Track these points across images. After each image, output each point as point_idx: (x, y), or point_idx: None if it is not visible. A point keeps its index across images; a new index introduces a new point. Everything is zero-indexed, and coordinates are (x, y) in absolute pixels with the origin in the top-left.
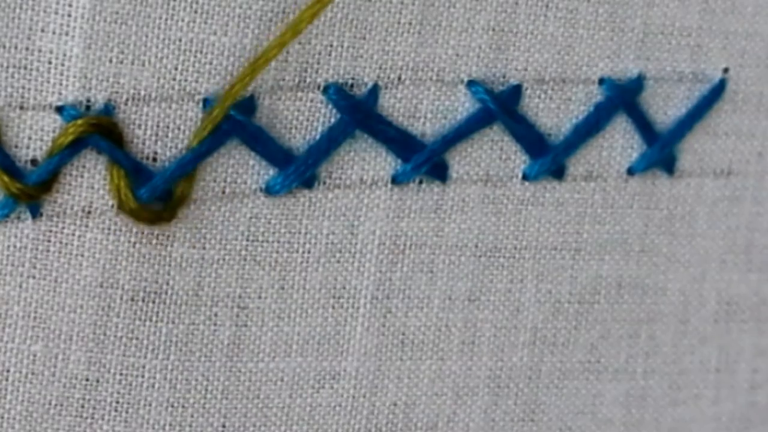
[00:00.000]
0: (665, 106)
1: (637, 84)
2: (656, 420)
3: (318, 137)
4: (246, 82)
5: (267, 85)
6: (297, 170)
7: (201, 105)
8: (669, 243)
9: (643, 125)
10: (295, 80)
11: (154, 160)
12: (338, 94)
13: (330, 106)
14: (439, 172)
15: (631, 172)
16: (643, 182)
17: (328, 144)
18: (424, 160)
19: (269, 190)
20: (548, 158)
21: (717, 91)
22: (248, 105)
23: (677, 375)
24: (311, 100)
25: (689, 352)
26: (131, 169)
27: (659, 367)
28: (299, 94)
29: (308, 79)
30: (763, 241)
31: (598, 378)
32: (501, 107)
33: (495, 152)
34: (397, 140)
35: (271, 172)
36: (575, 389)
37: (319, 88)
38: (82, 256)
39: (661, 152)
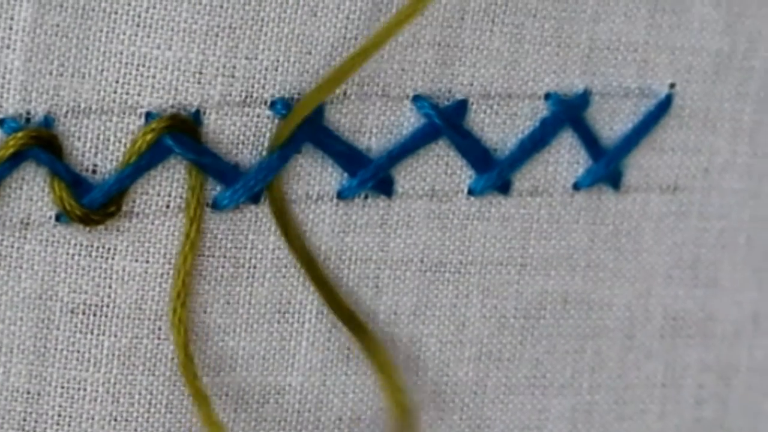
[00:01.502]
0: (611, 122)
1: (583, 99)
2: None
3: (266, 152)
4: (325, 92)
5: (213, 100)
6: (245, 185)
7: (143, 119)
8: (615, 258)
9: (589, 140)
10: (242, 96)
11: (94, 172)
12: (286, 109)
13: (277, 122)
14: (384, 187)
15: (576, 187)
16: (588, 197)
17: (277, 160)
18: (370, 175)
19: (216, 206)
20: (494, 173)
21: (663, 107)
22: (193, 120)
23: (623, 390)
24: (258, 116)
25: (635, 367)
26: (71, 182)
27: (605, 382)
28: (246, 109)
29: (255, 95)
30: (709, 257)
31: (543, 393)
32: (446, 122)
33: (441, 167)
34: (344, 155)
35: (218, 187)
36: (521, 404)
37: (266, 103)
38: (21, 267)
39: (607, 167)
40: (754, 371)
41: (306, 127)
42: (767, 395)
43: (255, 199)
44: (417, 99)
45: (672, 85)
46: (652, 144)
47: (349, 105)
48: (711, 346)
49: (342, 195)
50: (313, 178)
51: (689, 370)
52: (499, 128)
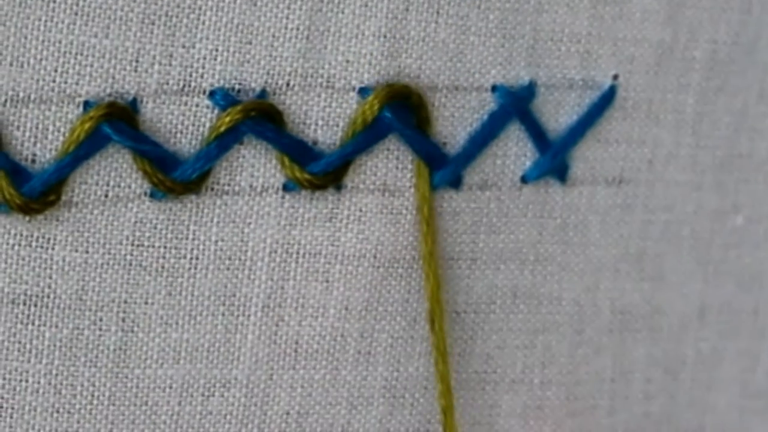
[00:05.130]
0: (556, 114)
1: (529, 91)
2: (553, 431)
3: (206, 142)
4: None
5: (150, 89)
6: (182, 175)
7: (81, 107)
8: (562, 252)
9: (536, 133)
10: (180, 84)
11: (33, 161)
12: (225, 99)
13: (217, 111)
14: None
15: (524, 180)
16: (536, 191)
17: (217, 149)
18: (319, 170)
19: (154, 195)
20: (448, 170)
21: (607, 98)
22: (131, 109)
23: (573, 385)
24: (197, 105)
25: (584, 362)
26: (10, 171)
27: (555, 377)
28: (184, 98)
29: (193, 84)
30: (654, 250)
31: (494, 388)
32: (395, 116)
33: (391, 162)
34: (290, 147)
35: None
36: (471, 400)
37: (204, 92)
38: None
39: (553, 160)
40: (700, 364)
41: (249, 119)
42: (713, 388)
43: (194, 189)
44: (363, 91)
45: (615, 77)
46: (597, 136)
47: (293, 96)
48: (658, 340)
49: (288, 188)
50: (257, 170)
51: (637, 365)
52: (448, 121)
